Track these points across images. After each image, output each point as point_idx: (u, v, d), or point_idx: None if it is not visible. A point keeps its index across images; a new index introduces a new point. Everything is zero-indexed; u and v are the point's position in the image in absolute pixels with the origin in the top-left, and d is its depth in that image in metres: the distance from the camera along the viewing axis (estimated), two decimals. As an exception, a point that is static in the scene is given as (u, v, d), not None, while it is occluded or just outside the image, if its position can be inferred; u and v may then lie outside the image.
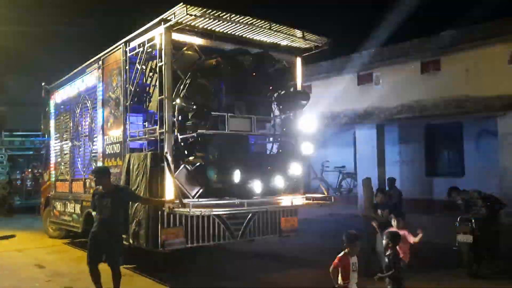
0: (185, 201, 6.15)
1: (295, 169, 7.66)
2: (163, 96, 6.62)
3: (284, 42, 7.81)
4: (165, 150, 6.50)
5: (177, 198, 6.16)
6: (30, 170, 18.86)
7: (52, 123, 11.66)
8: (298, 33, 7.44)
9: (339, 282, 4.76)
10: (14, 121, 24.80)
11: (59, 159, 11.09)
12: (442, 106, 12.05)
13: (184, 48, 6.95)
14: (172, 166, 6.46)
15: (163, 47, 6.64)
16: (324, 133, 15.04)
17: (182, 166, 6.72)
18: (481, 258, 7.35)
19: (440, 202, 12.55)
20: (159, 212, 6.51)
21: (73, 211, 9.98)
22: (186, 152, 6.74)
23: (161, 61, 6.68)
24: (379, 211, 7.13)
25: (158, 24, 6.71)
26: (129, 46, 7.63)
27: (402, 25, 14.45)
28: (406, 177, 13.67)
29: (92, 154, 9.00)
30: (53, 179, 11.43)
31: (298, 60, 8.23)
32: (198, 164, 6.76)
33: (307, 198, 7.60)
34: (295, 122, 7.77)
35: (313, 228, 10.70)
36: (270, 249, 9.17)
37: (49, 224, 11.90)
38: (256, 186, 7.05)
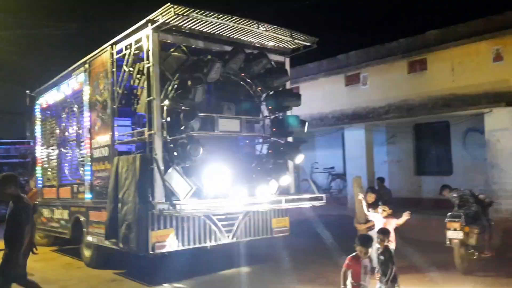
0: (175, 202, 6.08)
1: (285, 170, 7.65)
2: (151, 98, 6.56)
3: (272, 43, 7.81)
4: (154, 151, 6.43)
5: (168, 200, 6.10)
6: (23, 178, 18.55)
7: (37, 129, 11.49)
8: (286, 33, 7.44)
9: (347, 282, 4.73)
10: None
11: (45, 165, 10.92)
12: (429, 105, 12.15)
13: (172, 49, 6.90)
14: (161, 168, 6.40)
15: (150, 48, 6.59)
16: (313, 134, 15.07)
17: (172, 167, 6.64)
18: (471, 254, 7.40)
19: (429, 201, 12.65)
20: (149, 214, 6.43)
21: (61, 217, 9.84)
22: (175, 153, 6.68)
23: (149, 63, 6.62)
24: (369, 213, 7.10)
25: (145, 25, 6.66)
26: (115, 48, 7.56)
27: (388, 24, 14.59)
28: (395, 176, 13.74)
29: (80, 159, 8.87)
30: (39, 185, 11.25)
31: (287, 60, 8.24)
32: (187, 165, 6.69)
33: (298, 199, 7.58)
34: (284, 123, 7.75)
35: (304, 229, 10.66)
36: (261, 250, 9.12)
37: (36, 232, 11.70)
38: (247, 186, 7.02)
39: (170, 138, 6.64)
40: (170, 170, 6.64)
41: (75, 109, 9.12)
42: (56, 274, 8.42)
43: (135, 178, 6.57)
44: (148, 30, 6.60)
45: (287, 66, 8.22)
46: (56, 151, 10.16)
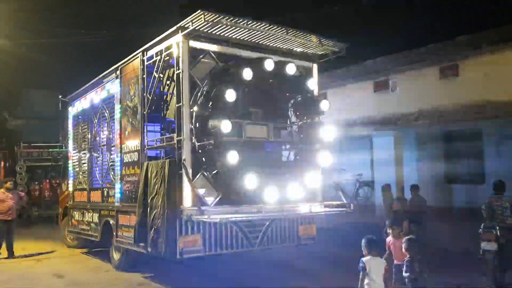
0: (203, 208, 6.11)
1: (313, 176, 7.58)
2: (180, 104, 6.63)
3: (300, 49, 7.79)
4: (183, 157, 6.49)
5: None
6: (48, 181, 19.09)
7: (70, 134, 11.79)
8: (315, 39, 7.41)
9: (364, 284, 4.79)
10: (32, 134, 25.23)
11: (77, 169, 11.17)
12: (461, 112, 11.85)
13: (201, 56, 6.96)
14: (190, 174, 6.45)
15: (180, 55, 6.67)
16: (341, 140, 14.90)
17: (200, 173, 6.69)
18: (506, 267, 7.15)
19: (460, 210, 12.31)
20: (177, 220, 6.48)
21: (91, 220, 10.02)
22: (203, 159, 6.72)
23: (179, 69, 6.70)
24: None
25: (175, 32, 6.75)
26: (146, 55, 7.68)
27: (417, 29, 14.32)
28: (425, 185, 13.38)
29: (110, 163, 9.04)
30: (71, 189, 11.53)
31: (315, 67, 8.19)
32: (215, 171, 6.72)
33: (325, 206, 7.49)
34: (312, 129, 7.69)
35: (331, 236, 10.53)
36: (287, 257, 9.06)
37: (67, 234, 11.98)
38: (274, 193, 6.98)
39: (199, 144, 6.69)
40: (198, 176, 6.70)
41: (106, 114, 9.32)
42: (85, 277, 8.59)
43: (163, 183, 6.63)
44: (179, 37, 6.68)
45: (315, 73, 8.18)
46: (88, 155, 10.38)
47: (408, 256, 5.65)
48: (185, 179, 6.38)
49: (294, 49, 7.75)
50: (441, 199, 13.25)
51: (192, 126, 6.68)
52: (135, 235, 7.26)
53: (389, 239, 6.59)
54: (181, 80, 6.65)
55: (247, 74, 6.83)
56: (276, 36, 7.11)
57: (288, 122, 7.94)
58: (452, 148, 13.53)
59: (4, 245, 10.69)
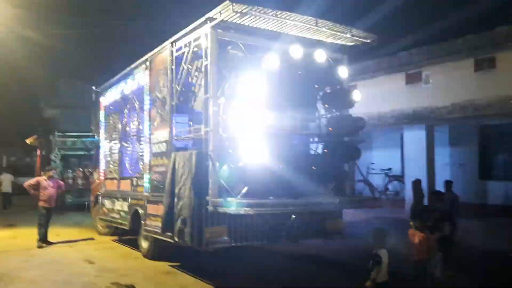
0: (228, 200, 6.11)
1: (341, 170, 7.47)
2: (208, 95, 6.64)
3: (330, 39, 7.64)
4: (210, 149, 6.50)
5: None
6: (81, 169, 19.62)
7: (101, 124, 12.04)
8: (345, 30, 7.25)
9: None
10: (66, 124, 26.02)
11: (108, 158, 11.42)
12: (498, 106, 11.40)
13: (229, 47, 6.93)
14: (216, 165, 6.46)
15: (208, 46, 6.66)
16: (370, 134, 14.64)
17: (227, 165, 6.68)
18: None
19: (495, 207, 11.91)
20: (203, 211, 6.52)
21: (121, 208, 10.24)
22: (230, 151, 6.71)
23: (206, 60, 6.69)
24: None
25: (204, 23, 6.73)
26: (175, 46, 7.72)
27: (453, 20, 13.80)
28: (458, 181, 13.00)
29: (139, 153, 9.18)
30: (102, 177, 11.79)
31: (345, 58, 8.03)
32: (242, 163, 6.70)
33: (353, 200, 7.37)
34: (341, 122, 7.57)
35: (358, 231, 10.39)
36: (312, 251, 9.00)
37: (98, 221, 12.29)
38: (301, 186, 6.92)
39: (226, 135, 6.68)
40: (225, 167, 6.69)
41: (136, 105, 9.45)
42: (115, 263, 8.79)
43: (190, 174, 6.67)
44: (207, 28, 6.67)
45: (345, 64, 8.02)
46: (118, 145, 10.58)
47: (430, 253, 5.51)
48: (211, 170, 6.40)
49: (324, 39, 7.61)
50: (474, 196, 12.84)
51: (219, 118, 6.68)
52: (163, 224, 7.36)
53: (411, 231, 6.43)
54: (208, 71, 6.65)
55: (275, 65, 6.75)
56: (306, 26, 7.00)
57: (317, 114, 7.83)
58: (487, 143, 13.06)
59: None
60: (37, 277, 7.72)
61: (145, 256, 9.09)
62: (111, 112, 11.32)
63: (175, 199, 7.06)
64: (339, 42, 7.74)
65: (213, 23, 6.56)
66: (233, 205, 6.03)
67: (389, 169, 14.67)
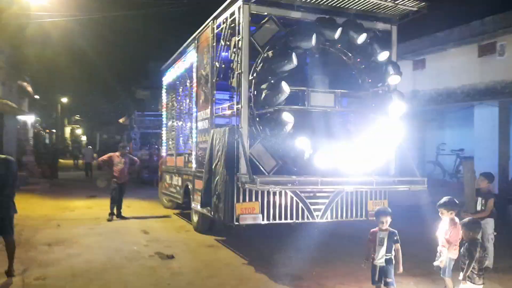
0: (255, 176, 6.07)
1: (385, 149, 7.04)
2: (239, 71, 6.59)
3: (374, 9, 7.14)
4: (240, 125, 6.48)
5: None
6: (156, 146, 20.78)
7: (164, 102, 12.55)
8: (390, -2, 6.73)
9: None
10: (156, 104, 27.85)
11: (168, 136, 11.93)
12: None
13: (263, 21, 6.78)
14: (246, 142, 6.43)
15: (241, 20, 6.58)
16: (440, 112, 13.56)
17: (258, 141, 6.63)
18: None
19: None
20: (235, 187, 6.55)
21: (177, 183, 10.68)
22: (262, 127, 6.64)
23: (240, 35, 6.62)
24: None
25: (237, -3, 6.65)
26: (216, 22, 7.74)
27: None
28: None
29: (190, 130, 9.44)
30: (164, 154, 12.37)
31: (394, 29, 7.48)
32: (275, 140, 6.60)
33: (394, 181, 6.93)
34: (385, 98, 7.09)
35: (408, 214, 9.63)
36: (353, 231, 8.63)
37: (162, 195, 12.95)
38: (338, 165, 6.65)
39: (258, 112, 6.61)
40: (256, 144, 6.65)
41: (187, 83, 9.69)
42: (167, 235, 9.22)
43: (224, 150, 6.73)
44: (239, 2, 6.58)
45: (394, 35, 7.47)
46: (175, 123, 10.99)
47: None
48: (241, 146, 6.39)
49: (368, 9, 7.13)
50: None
51: (251, 94, 6.61)
52: (202, 199, 7.56)
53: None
54: (241, 46, 6.58)
55: (312, 39, 6.49)
56: (345, -4, 6.61)
57: (358, 90, 7.41)
58: None
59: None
60: (94, 243, 8.36)
61: (195, 229, 9.41)
62: (170, 91, 11.75)
63: (212, 175, 7.18)
64: (386, 11, 7.21)
65: (246, -4, 6.45)
66: (258, 182, 5.98)
67: (461, 149, 13.48)
